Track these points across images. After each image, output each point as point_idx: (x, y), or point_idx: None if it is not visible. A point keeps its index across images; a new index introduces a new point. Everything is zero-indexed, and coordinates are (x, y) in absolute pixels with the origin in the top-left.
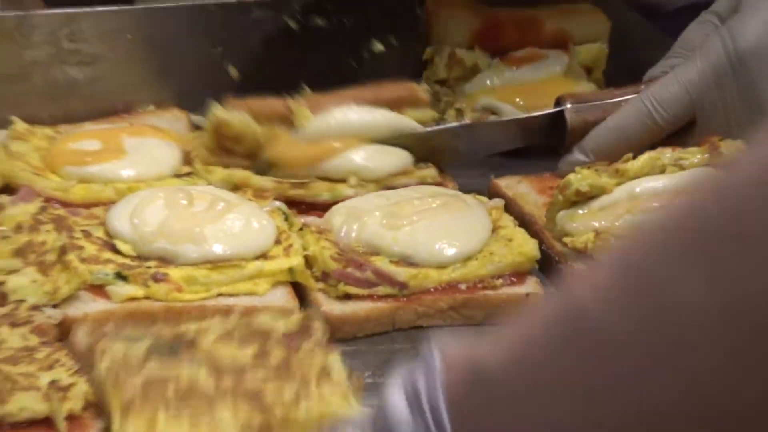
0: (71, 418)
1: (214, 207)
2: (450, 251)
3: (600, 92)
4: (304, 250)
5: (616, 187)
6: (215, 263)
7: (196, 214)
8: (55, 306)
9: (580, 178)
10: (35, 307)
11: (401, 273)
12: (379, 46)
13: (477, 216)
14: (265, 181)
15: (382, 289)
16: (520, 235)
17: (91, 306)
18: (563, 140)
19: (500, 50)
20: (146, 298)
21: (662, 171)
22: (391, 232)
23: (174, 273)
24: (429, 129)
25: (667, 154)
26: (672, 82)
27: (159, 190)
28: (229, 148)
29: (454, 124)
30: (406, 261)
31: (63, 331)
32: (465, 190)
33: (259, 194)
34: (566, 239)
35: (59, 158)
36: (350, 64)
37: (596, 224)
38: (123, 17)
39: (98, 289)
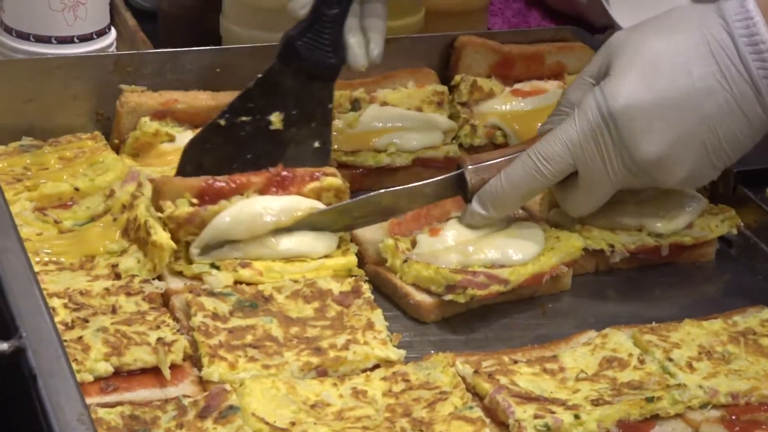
0: (174, 367)
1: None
2: (526, 253)
3: (496, 151)
4: (417, 274)
5: None
6: (288, 258)
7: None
8: (159, 278)
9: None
10: (145, 280)
11: (504, 272)
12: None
13: (532, 227)
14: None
15: (493, 287)
16: (562, 233)
17: (187, 282)
18: (467, 196)
19: (512, 78)
20: (236, 282)
21: None
22: (484, 248)
23: (256, 263)
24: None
25: None
26: (554, 138)
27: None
28: None
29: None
30: (496, 266)
31: (166, 300)
32: None
33: None
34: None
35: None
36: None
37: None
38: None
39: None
